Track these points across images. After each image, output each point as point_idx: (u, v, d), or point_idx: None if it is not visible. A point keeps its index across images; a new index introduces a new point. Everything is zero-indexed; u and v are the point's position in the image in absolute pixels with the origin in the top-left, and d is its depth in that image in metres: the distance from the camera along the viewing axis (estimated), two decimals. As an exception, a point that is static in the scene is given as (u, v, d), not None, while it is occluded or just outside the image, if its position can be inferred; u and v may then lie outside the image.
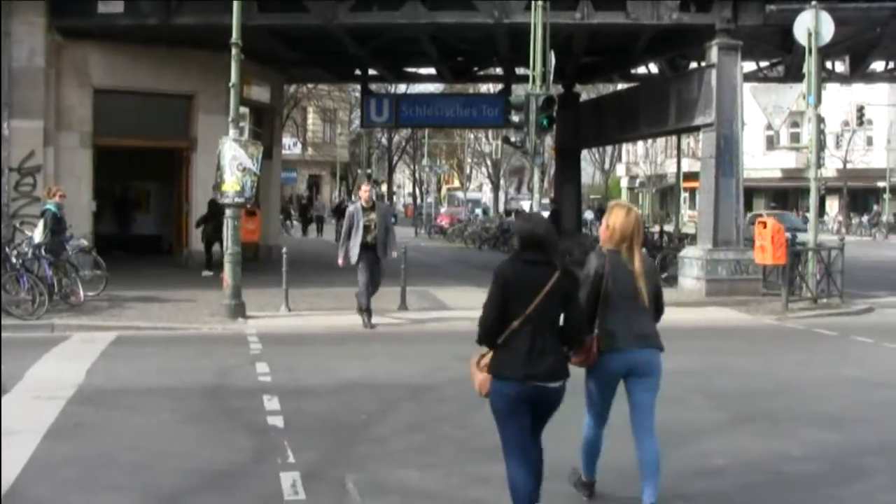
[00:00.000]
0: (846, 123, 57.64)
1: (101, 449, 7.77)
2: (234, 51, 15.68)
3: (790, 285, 18.29)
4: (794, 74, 23.74)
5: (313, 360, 12.22)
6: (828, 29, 18.59)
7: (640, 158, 76.18)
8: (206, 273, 21.26)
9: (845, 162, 59.84)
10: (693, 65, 24.92)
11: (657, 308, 6.29)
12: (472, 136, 73.04)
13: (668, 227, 34.19)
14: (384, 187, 75.97)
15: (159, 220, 28.11)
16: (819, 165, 19.75)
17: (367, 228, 14.68)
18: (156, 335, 14.27)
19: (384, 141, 74.02)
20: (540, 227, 5.73)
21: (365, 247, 14.63)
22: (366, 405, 9.38)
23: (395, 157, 75.45)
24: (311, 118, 70.07)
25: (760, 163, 61.51)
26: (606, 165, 75.05)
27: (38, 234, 16.21)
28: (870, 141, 63.33)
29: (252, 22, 18.35)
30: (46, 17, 20.57)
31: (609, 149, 70.01)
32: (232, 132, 15.82)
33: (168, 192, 26.42)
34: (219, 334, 14.41)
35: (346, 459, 7.52)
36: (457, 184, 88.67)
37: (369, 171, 76.04)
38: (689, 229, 32.24)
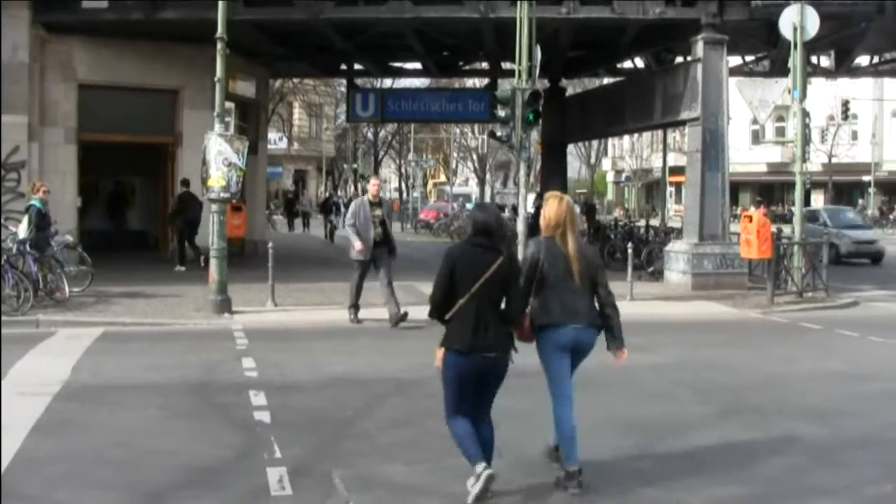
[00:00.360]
0: (831, 118, 57.90)
1: (87, 445, 7.75)
2: (219, 45, 15.60)
3: (775, 279, 18.36)
4: (779, 69, 23.79)
5: (299, 355, 12.19)
6: (813, 23, 18.66)
7: (626, 153, 76.39)
8: (178, 268, 21.23)
9: (830, 156, 60.07)
10: (679, 59, 24.94)
11: (600, 289, 6.76)
12: (458, 130, 72.90)
13: (655, 222, 34.22)
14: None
15: (144, 216, 28.03)
16: (804, 160, 19.85)
17: (373, 224, 14.31)
18: (141, 331, 14.22)
19: (370, 136, 73.88)
20: (492, 217, 6.43)
21: (373, 244, 14.32)
22: (352, 400, 9.38)
23: (381, 152, 75.31)
24: (297, 113, 69.87)
25: (746, 157, 61.72)
26: (592, 160, 75.10)
27: (22, 230, 16.13)
28: (854, 135, 63.66)
29: (237, 17, 18.29)
30: (30, 11, 20.50)
31: (595, 143, 70.11)
32: (217, 127, 15.76)
33: (153, 188, 26.34)
34: (205, 330, 14.37)
35: (332, 454, 7.52)
36: (443, 178, 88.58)
37: (355, 166, 75.98)
38: (675, 223, 32.30)
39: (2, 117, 19.89)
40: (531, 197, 27.63)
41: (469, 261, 6.22)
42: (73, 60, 21.80)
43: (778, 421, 8.72)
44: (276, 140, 60.76)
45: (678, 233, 23.76)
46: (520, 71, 18.09)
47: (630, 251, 18.95)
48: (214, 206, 15.73)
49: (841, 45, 25.80)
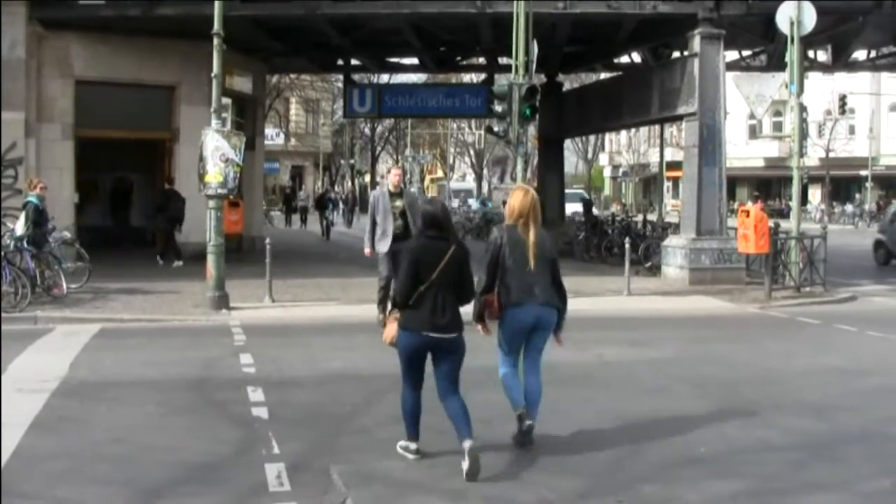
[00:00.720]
0: (828, 112, 57.86)
1: (85, 442, 7.75)
2: (216, 41, 15.59)
3: (773, 274, 18.36)
4: (776, 63, 23.80)
5: (297, 351, 12.19)
6: (810, 18, 18.64)
7: (623, 148, 76.36)
8: (177, 263, 21.21)
9: (828, 151, 60.10)
10: (676, 54, 24.93)
11: (555, 279, 7.47)
12: (455, 125, 72.95)
13: (652, 217, 34.24)
14: (367, 178, 75.85)
15: (142, 212, 27.97)
16: (802, 154, 19.85)
17: (393, 216, 13.35)
18: (139, 327, 14.21)
19: (367, 131, 73.92)
20: (439, 210, 7.05)
21: (392, 237, 13.29)
22: (350, 396, 9.39)
23: (379, 148, 75.38)
24: (294, 108, 69.81)
25: (743, 152, 61.77)
26: (590, 155, 75.08)
27: (20, 227, 16.13)
28: (852, 130, 63.69)
29: (234, 12, 18.25)
30: (27, 8, 20.47)
31: (592, 138, 70.05)
32: (214, 123, 15.75)
33: (151, 184, 26.29)
34: (202, 326, 14.37)
35: (331, 450, 7.52)
36: (440, 174, 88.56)
37: (352, 161, 75.92)
38: (672, 218, 32.29)
39: (-1, 114, 19.92)
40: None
41: (427, 251, 6.90)
42: (70, 56, 21.77)
43: (775, 416, 8.73)
44: (273, 136, 60.68)
45: (675, 228, 23.75)
46: (517, 66, 18.07)
47: (627, 246, 18.96)
48: (212, 202, 15.69)
49: (838, 39, 25.82)
